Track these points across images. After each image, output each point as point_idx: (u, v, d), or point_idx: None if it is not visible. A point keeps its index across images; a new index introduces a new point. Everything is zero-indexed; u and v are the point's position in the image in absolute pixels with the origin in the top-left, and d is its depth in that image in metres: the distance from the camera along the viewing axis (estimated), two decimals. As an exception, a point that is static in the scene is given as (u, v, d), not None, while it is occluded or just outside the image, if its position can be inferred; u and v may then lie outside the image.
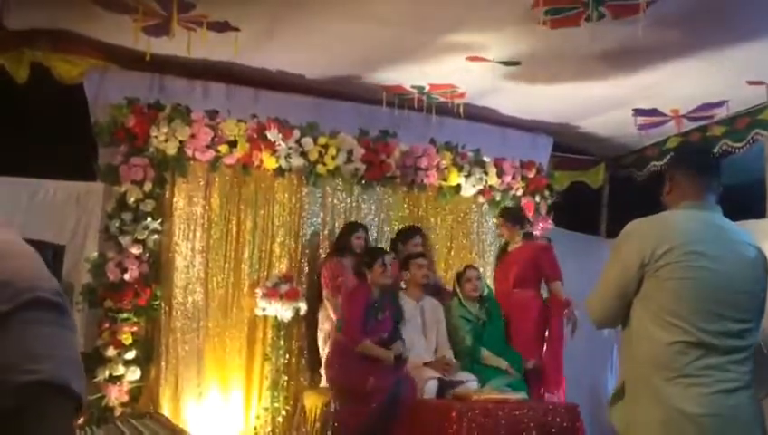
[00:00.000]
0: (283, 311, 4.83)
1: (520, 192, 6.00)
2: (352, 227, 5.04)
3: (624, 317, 2.28)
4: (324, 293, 4.88)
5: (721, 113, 5.57)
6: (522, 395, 3.92)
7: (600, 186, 7.01)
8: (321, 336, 4.81)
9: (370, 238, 5.42)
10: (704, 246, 2.16)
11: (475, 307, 4.63)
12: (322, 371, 4.59)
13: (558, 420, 3.70)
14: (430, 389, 4.06)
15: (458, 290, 4.67)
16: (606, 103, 5.60)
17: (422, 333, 4.46)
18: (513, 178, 5.95)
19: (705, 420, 2.07)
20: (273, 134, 5.03)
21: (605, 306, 2.31)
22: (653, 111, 5.69)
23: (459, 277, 4.67)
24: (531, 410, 3.69)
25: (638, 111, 5.72)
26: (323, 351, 4.68)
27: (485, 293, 4.68)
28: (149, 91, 4.96)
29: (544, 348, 5.06)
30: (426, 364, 4.27)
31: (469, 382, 4.19)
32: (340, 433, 4.10)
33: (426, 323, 4.48)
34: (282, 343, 4.91)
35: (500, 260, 5.22)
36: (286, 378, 4.89)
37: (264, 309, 4.85)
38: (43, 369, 1.15)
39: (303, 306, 4.93)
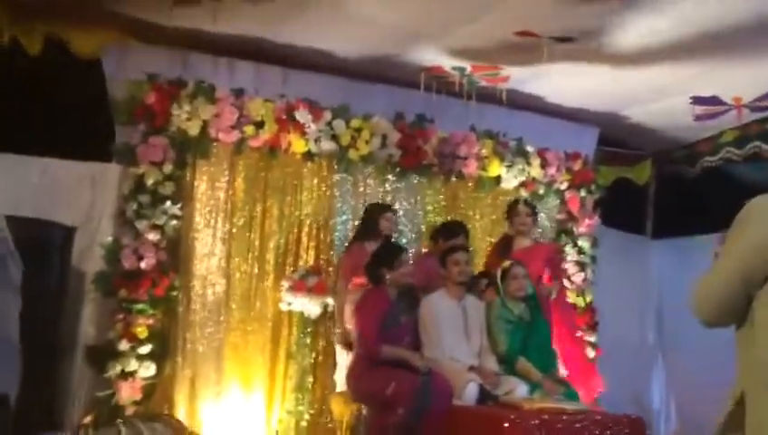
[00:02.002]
0: (309, 306, 4.46)
1: (564, 185, 5.58)
2: (381, 207, 4.62)
3: (743, 313, 1.86)
4: (337, 284, 4.46)
5: (786, 103, 5.13)
6: (579, 405, 3.49)
7: (647, 183, 6.59)
8: (336, 337, 4.41)
9: (405, 230, 5.04)
10: None
11: (518, 307, 4.20)
12: (336, 377, 4.20)
13: (622, 433, 3.27)
14: (470, 394, 3.65)
15: (501, 288, 4.24)
16: (660, 89, 5.17)
17: (465, 335, 4.04)
18: (558, 170, 5.54)
19: None
20: (302, 115, 4.66)
21: (722, 299, 1.87)
22: (712, 99, 5.24)
23: (504, 274, 4.24)
24: (592, 423, 3.26)
25: (697, 100, 5.28)
26: (339, 356, 4.27)
27: (530, 292, 4.25)
28: (171, 67, 4.62)
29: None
30: (469, 369, 3.85)
31: (518, 389, 3.77)
32: (370, 439, 3.71)
33: (468, 325, 4.05)
34: (308, 340, 4.54)
35: (502, 254, 4.67)
36: (311, 380, 4.50)
37: (289, 303, 4.48)
38: None
39: (332, 302, 4.55)
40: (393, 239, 4.63)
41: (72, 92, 4.73)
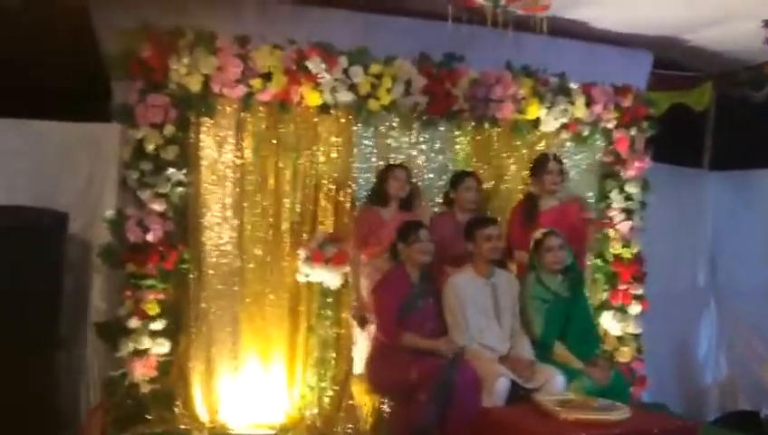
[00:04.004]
0: (329, 277, 4.13)
1: (611, 124, 4.99)
2: (390, 168, 4.24)
3: None
4: (350, 252, 4.12)
5: None
6: (623, 411, 3.12)
7: (706, 108, 5.92)
8: (352, 311, 4.11)
9: (433, 185, 4.59)
10: None
11: (555, 282, 3.80)
12: (354, 353, 3.96)
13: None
14: (500, 390, 3.33)
15: (536, 262, 3.82)
16: (729, 12, 4.48)
17: (494, 317, 3.69)
18: (605, 107, 4.92)
19: None
20: (314, 63, 4.15)
21: None
22: (789, 23, 4.54)
23: (538, 246, 3.81)
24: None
25: (770, 23, 4.58)
26: (356, 335, 3.99)
27: (569, 262, 3.83)
28: (168, 13, 4.12)
29: None
30: (500, 360, 3.53)
31: (554, 380, 3.44)
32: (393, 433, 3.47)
33: (499, 305, 3.70)
34: (328, 312, 4.24)
35: (528, 217, 4.23)
36: (334, 355, 4.24)
37: (306, 275, 4.16)
38: None
39: (353, 271, 4.21)
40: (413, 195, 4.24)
41: (61, 45, 4.32)
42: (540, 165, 4.35)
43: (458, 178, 4.31)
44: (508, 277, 3.84)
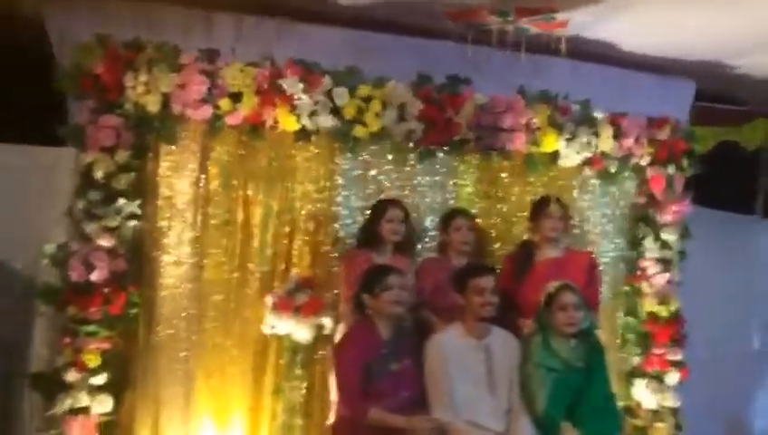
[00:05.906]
0: (297, 329, 3.52)
1: (645, 161, 4.31)
2: (382, 206, 3.67)
3: None
4: (341, 306, 3.55)
5: None
6: None
7: (758, 147, 5.20)
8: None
9: (428, 225, 3.99)
10: None
11: (566, 348, 3.10)
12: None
13: None
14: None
15: (546, 321, 3.14)
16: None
17: (488, 388, 3.00)
18: (637, 141, 4.26)
19: None
20: (290, 83, 3.62)
21: None
22: None
23: (549, 302, 3.14)
24: None
25: (834, 45, 3.90)
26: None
27: (586, 326, 3.14)
28: (132, 27, 3.69)
29: None
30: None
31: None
32: None
33: (494, 373, 3.01)
34: (297, 371, 3.61)
35: (521, 269, 3.66)
36: (301, 422, 3.59)
37: (272, 326, 3.56)
38: None
39: (329, 323, 3.59)
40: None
41: (14, 60, 3.91)
42: (539, 209, 3.78)
43: (447, 218, 3.77)
44: (506, 339, 3.16)
